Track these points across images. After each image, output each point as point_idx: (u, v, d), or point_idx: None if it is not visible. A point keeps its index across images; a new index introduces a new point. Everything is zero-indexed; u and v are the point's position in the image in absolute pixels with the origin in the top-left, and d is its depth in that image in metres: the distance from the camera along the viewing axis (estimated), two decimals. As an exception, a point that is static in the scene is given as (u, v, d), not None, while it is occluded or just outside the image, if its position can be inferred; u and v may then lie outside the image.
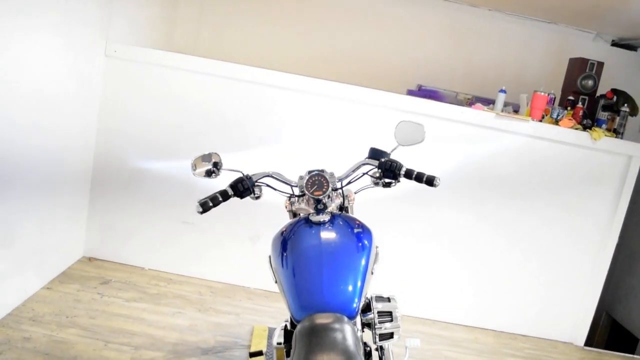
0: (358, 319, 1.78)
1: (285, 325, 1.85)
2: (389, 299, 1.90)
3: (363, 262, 1.76)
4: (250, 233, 3.64)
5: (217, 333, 3.08)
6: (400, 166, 1.95)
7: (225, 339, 3.03)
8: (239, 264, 3.70)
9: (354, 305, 1.64)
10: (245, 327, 3.21)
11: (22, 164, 2.76)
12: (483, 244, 3.74)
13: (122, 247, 3.70)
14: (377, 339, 1.86)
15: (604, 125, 3.71)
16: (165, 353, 2.80)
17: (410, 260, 3.73)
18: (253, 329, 3.18)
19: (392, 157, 2.03)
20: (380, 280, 2.02)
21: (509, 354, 3.50)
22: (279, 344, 1.81)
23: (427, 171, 1.96)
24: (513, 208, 3.69)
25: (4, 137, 2.56)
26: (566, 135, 3.58)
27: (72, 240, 3.57)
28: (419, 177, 1.93)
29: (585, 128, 3.65)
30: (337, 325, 1.51)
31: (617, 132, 3.71)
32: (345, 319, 1.57)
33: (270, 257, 1.91)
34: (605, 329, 5.12)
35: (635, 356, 3.95)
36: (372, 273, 1.80)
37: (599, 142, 3.58)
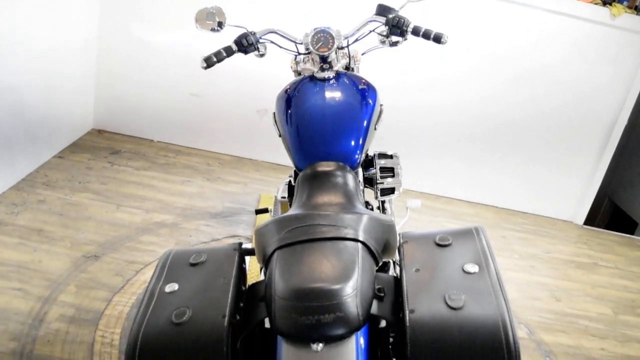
0: (360, 173, 1.82)
1: (290, 181, 1.90)
2: (391, 156, 1.93)
3: (366, 117, 1.76)
4: (258, 107, 3.63)
5: (225, 200, 3.18)
6: (408, 22, 1.89)
7: (233, 205, 3.13)
8: (246, 136, 3.74)
9: (356, 156, 1.67)
10: (252, 195, 3.30)
11: (23, 29, 2.72)
12: (489, 120, 3.72)
13: (131, 120, 3.72)
14: (379, 194, 1.91)
15: (625, 2, 3.55)
16: (174, 216, 2.90)
17: (415, 136, 3.74)
18: (260, 197, 3.27)
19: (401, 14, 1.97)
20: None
21: (507, 227, 3.60)
22: (283, 197, 1.87)
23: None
24: (522, 84, 3.62)
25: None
26: (584, 10, 3.44)
27: (81, 112, 3.59)
28: (427, 34, 1.87)
29: (605, 4, 3.50)
30: (338, 172, 1.54)
31: (638, 10, 3.56)
32: (347, 167, 1.60)
33: (274, 114, 1.91)
34: (606, 214, 5.21)
35: (632, 235, 4.05)
36: (375, 129, 1.81)
37: (618, 19, 3.44)
